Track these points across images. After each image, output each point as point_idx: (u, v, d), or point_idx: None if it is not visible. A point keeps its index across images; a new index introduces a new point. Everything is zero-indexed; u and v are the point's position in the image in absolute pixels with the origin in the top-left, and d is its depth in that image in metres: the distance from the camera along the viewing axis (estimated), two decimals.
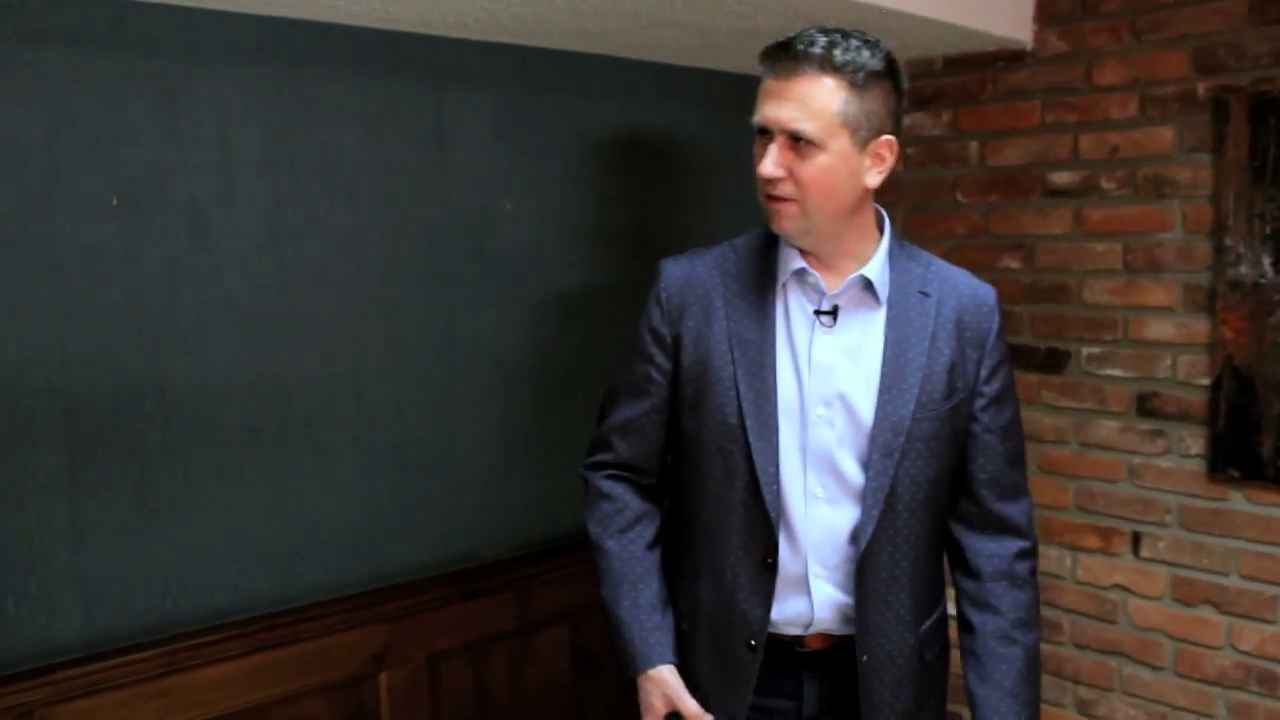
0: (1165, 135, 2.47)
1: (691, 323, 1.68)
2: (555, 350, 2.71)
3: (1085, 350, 2.66)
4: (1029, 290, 2.73)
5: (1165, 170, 2.48)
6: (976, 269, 2.80)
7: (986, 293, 1.75)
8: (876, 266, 1.66)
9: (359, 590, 2.38)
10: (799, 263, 1.65)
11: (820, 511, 1.64)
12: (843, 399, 1.64)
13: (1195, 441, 2.49)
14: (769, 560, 1.64)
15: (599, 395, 2.74)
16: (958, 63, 2.80)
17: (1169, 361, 2.53)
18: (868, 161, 1.60)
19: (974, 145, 2.80)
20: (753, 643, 1.66)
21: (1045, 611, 2.77)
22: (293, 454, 2.29)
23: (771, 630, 1.67)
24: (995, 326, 1.72)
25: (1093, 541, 2.69)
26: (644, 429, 1.75)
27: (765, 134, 1.60)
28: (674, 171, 2.97)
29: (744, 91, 3.07)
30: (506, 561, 2.63)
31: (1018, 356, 2.76)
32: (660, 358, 1.72)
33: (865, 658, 1.66)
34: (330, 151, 2.29)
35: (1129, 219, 2.55)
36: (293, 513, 2.30)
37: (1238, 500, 2.44)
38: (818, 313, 1.65)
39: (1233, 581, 2.47)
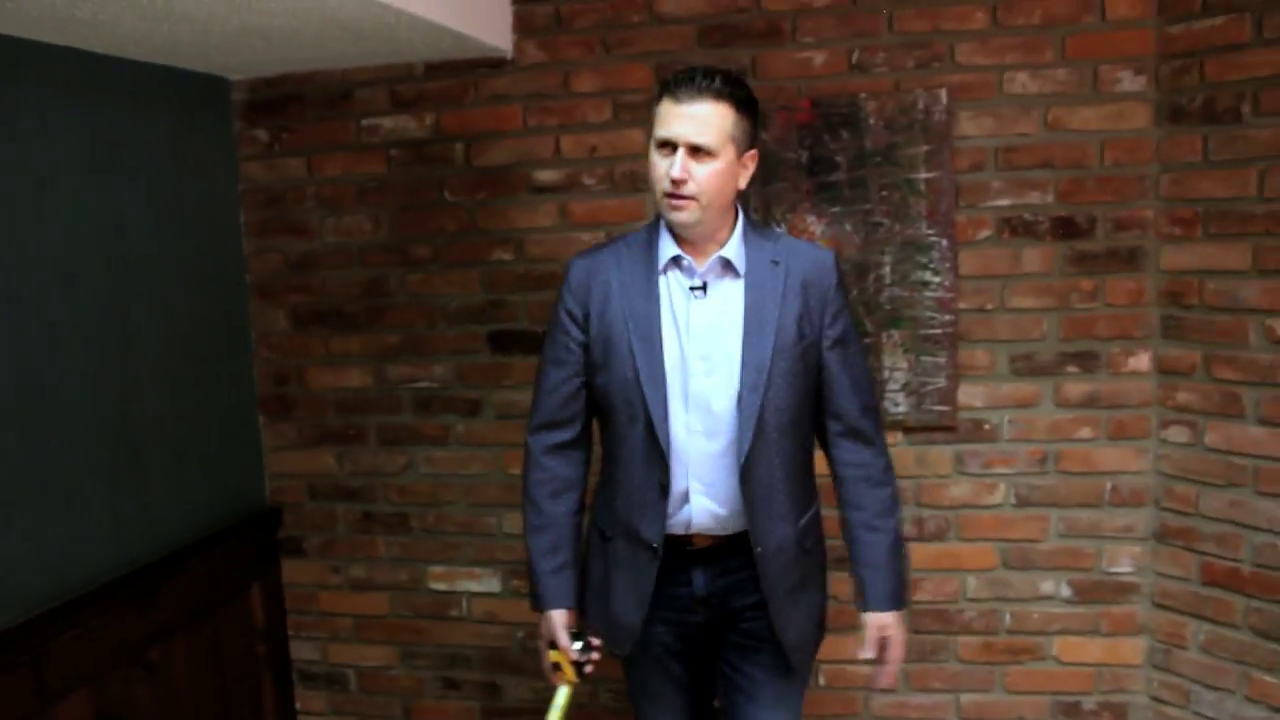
0: (636, 137, 2.82)
1: (595, 303, 2.09)
2: (42, 377, 2.38)
3: None
4: (522, 279, 2.96)
5: (639, 167, 2.82)
6: (468, 264, 3.00)
7: (825, 255, 2.16)
8: (733, 248, 2.07)
9: None
10: (674, 250, 2.06)
11: (698, 442, 2.06)
12: (716, 352, 2.05)
13: None
14: (663, 483, 2.06)
15: (104, 424, 2.50)
16: (439, 68, 2.91)
17: None
18: (740, 169, 2.03)
19: (459, 147, 2.94)
20: (654, 546, 2.09)
21: None
22: None
23: (667, 533, 2.09)
24: (834, 281, 2.12)
25: None
26: (567, 390, 2.15)
27: (666, 146, 1.97)
28: (152, 172, 2.72)
29: (218, 93, 2.96)
30: (13, 630, 2.27)
31: (516, 342, 3.00)
32: (574, 330, 2.12)
33: (759, 549, 2.09)
34: None
35: (610, 210, 2.88)
36: None
37: None
38: (691, 288, 2.06)
39: None
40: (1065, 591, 2.83)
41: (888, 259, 2.74)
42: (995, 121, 2.69)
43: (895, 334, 2.75)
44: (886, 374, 2.78)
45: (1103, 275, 2.70)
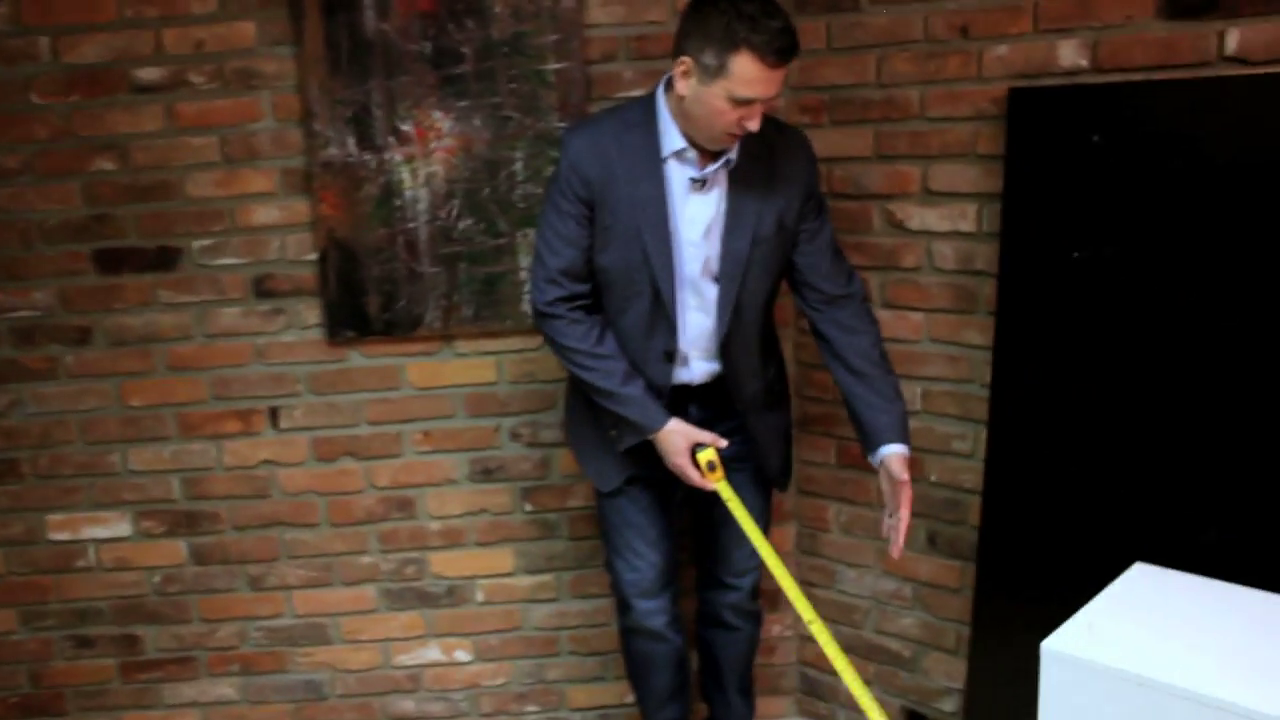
0: (247, 30, 2.59)
1: (597, 185, 2.19)
2: None
3: (196, 244, 2.71)
4: (129, 190, 2.68)
5: (251, 63, 2.61)
6: (66, 175, 2.72)
7: (796, 138, 2.32)
8: (734, 149, 2.18)
9: None
10: (681, 144, 2.18)
11: (694, 316, 2.30)
12: (705, 240, 2.23)
13: (311, 313, 2.74)
14: (669, 350, 2.30)
15: None
16: None
17: (278, 243, 2.71)
18: None
19: (44, 41, 2.61)
20: (664, 394, 2.32)
21: (201, 505, 2.85)
22: None
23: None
24: (813, 170, 2.31)
25: (234, 426, 2.80)
26: (582, 263, 2.25)
27: (746, 103, 2.04)
28: None
29: None
30: None
31: (126, 260, 2.73)
32: (582, 209, 2.20)
33: (736, 392, 2.37)
34: None
35: (222, 112, 2.64)
36: None
37: (355, 358, 2.76)
38: (692, 180, 2.20)
39: (363, 430, 2.80)
40: None
41: (519, 155, 2.64)
42: (626, 9, 2.62)
43: (530, 233, 2.65)
44: (523, 274, 2.69)
45: None
